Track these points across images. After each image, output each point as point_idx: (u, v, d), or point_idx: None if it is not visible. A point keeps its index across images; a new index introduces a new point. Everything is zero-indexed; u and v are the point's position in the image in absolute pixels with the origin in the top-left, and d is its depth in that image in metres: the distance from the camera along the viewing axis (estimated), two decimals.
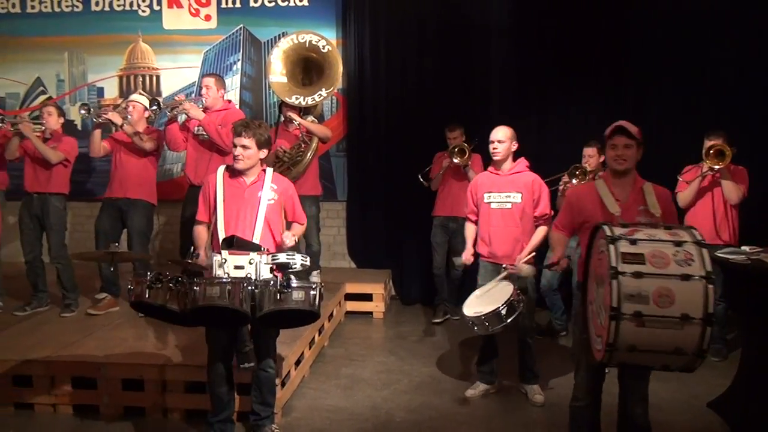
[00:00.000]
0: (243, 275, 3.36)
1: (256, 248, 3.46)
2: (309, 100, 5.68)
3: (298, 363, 4.63)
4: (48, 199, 5.37)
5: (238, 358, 3.89)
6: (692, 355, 2.67)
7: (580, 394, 3.33)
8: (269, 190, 3.68)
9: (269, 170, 3.77)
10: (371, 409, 4.32)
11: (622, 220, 3.04)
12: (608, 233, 2.80)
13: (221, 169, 3.75)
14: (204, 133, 4.99)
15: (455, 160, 5.77)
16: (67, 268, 5.44)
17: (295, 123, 5.66)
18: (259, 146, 3.63)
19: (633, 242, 2.76)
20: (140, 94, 5.84)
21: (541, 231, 4.32)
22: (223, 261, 3.42)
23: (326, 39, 5.84)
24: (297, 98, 5.68)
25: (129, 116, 5.30)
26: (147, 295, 3.32)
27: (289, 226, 3.84)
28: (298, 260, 3.44)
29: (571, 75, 6.46)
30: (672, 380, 4.73)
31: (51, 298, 5.62)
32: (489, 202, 4.37)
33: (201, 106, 5.10)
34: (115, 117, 5.22)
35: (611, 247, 2.73)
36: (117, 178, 5.35)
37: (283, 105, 5.82)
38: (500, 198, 4.35)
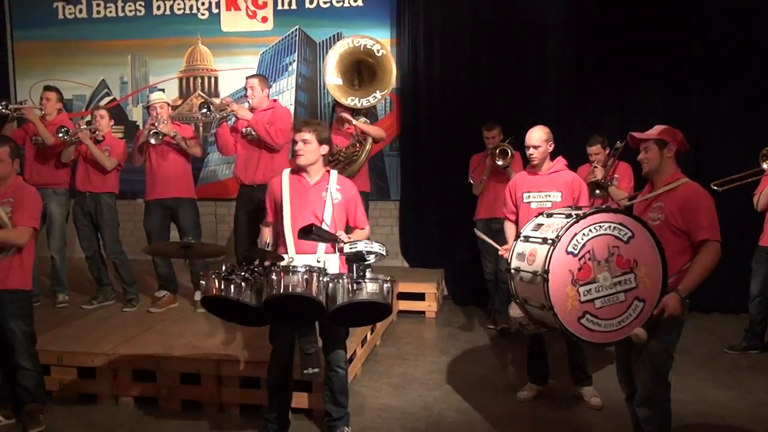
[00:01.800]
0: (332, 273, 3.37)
1: (333, 238, 3.46)
2: (364, 102, 5.77)
3: (350, 361, 4.66)
4: (100, 198, 5.57)
5: (302, 360, 3.79)
6: (548, 310, 3.00)
7: (621, 387, 3.41)
8: (335, 190, 3.70)
9: (334, 172, 3.80)
10: (423, 409, 4.32)
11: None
12: (545, 211, 3.45)
13: (286, 171, 3.81)
14: (253, 133, 5.07)
15: (499, 162, 5.67)
16: (125, 263, 5.64)
17: (351, 124, 5.73)
18: (320, 141, 3.67)
19: (549, 216, 3.33)
20: (157, 92, 5.93)
21: None
22: (291, 260, 3.46)
23: (381, 43, 5.90)
24: (352, 100, 5.77)
25: (164, 121, 5.39)
26: (222, 288, 3.22)
27: (349, 232, 3.81)
28: (377, 247, 3.41)
29: (630, 74, 6.30)
30: (733, 387, 4.58)
31: (115, 291, 5.81)
32: (528, 202, 4.31)
33: (248, 107, 5.19)
34: (167, 128, 5.35)
35: (534, 218, 3.43)
36: (160, 180, 5.47)
37: (336, 105, 5.90)
38: (540, 197, 4.28)
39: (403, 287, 6.44)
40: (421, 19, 6.89)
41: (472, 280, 6.77)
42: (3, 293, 3.82)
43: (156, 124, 5.33)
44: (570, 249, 2.99)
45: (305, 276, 3.19)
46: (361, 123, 5.75)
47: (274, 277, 3.19)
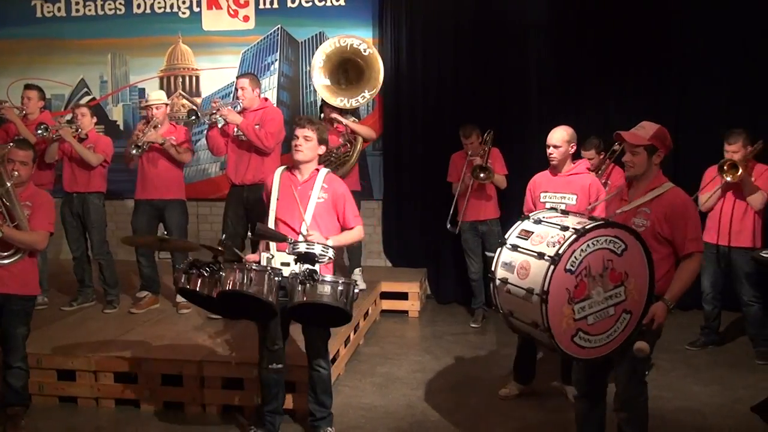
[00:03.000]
0: (288, 272, 3.43)
1: (282, 238, 3.51)
2: (353, 102, 5.79)
3: (333, 361, 4.65)
4: (88, 198, 5.50)
5: (267, 356, 3.79)
6: (545, 331, 2.86)
7: (575, 384, 3.42)
8: (320, 189, 3.72)
9: (323, 170, 3.83)
10: (406, 408, 4.32)
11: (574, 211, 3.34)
12: (530, 214, 3.23)
13: (280, 168, 3.86)
14: (243, 136, 5.06)
15: (481, 176, 5.71)
16: (110, 264, 5.60)
17: (342, 123, 5.73)
18: (320, 141, 3.73)
19: (537, 222, 3.13)
20: (157, 91, 5.85)
21: None
22: (271, 257, 3.52)
23: (367, 42, 5.92)
24: (342, 101, 5.77)
25: (158, 124, 5.38)
26: (182, 281, 3.45)
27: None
28: (318, 250, 3.44)
29: (611, 73, 6.34)
30: (713, 384, 4.63)
31: (95, 293, 5.74)
32: (545, 202, 4.29)
33: (239, 108, 5.15)
34: (154, 136, 5.31)
35: (518, 222, 3.20)
36: (150, 181, 5.43)
37: (324, 106, 5.90)
38: (555, 198, 4.26)
39: (386, 287, 6.44)
40: (403, 18, 6.88)
41: (455, 279, 6.79)
42: (17, 299, 3.89)
43: (140, 135, 5.28)
44: (568, 267, 2.85)
45: (251, 275, 3.30)
46: (351, 123, 5.77)
47: (223, 273, 3.34)
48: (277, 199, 3.73)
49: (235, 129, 5.12)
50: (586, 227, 2.89)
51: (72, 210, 5.54)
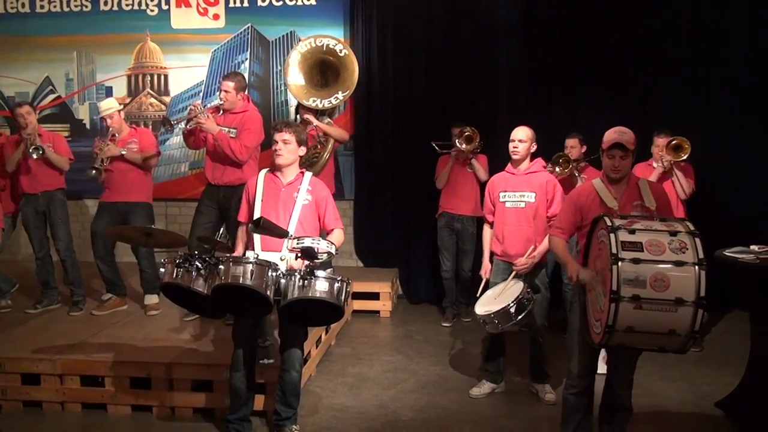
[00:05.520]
0: (285, 268, 3.44)
1: (283, 233, 3.51)
2: (326, 103, 5.75)
3: (305, 362, 4.62)
4: (53, 195, 5.45)
5: (258, 352, 3.90)
6: (685, 336, 2.83)
7: (575, 381, 3.43)
8: (305, 191, 3.77)
9: (308, 173, 3.88)
10: (378, 408, 4.32)
11: (621, 214, 3.21)
12: (609, 223, 2.97)
13: (263, 171, 3.90)
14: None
15: (463, 146, 5.74)
16: (75, 263, 5.52)
17: (312, 125, 5.70)
18: (299, 143, 3.77)
19: (632, 232, 2.94)
20: (106, 100, 5.61)
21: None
22: (256, 256, 3.50)
23: (343, 43, 5.90)
24: (314, 101, 5.74)
25: (116, 133, 5.29)
26: (175, 275, 3.37)
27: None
28: (324, 245, 3.48)
29: (579, 72, 6.44)
30: (679, 380, 4.72)
31: (60, 296, 5.64)
32: (504, 201, 4.38)
33: (220, 111, 5.07)
34: (113, 150, 5.21)
35: (611, 236, 2.91)
36: (116, 183, 5.33)
37: (299, 107, 5.87)
38: (514, 197, 4.36)
39: (358, 287, 6.41)
40: (375, 18, 6.88)
41: (426, 278, 6.82)
42: None
43: (98, 153, 5.18)
44: None
45: (252, 268, 3.28)
46: (322, 124, 5.75)
47: (222, 267, 3.29)
48: (262, 201, 3.75)
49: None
50: (691, 228, 2.95)
51: (37, 209, 5.45)
